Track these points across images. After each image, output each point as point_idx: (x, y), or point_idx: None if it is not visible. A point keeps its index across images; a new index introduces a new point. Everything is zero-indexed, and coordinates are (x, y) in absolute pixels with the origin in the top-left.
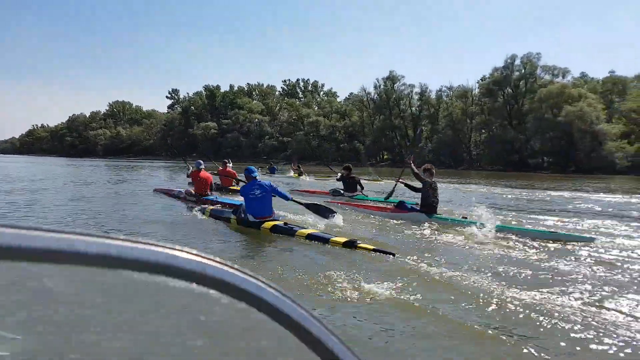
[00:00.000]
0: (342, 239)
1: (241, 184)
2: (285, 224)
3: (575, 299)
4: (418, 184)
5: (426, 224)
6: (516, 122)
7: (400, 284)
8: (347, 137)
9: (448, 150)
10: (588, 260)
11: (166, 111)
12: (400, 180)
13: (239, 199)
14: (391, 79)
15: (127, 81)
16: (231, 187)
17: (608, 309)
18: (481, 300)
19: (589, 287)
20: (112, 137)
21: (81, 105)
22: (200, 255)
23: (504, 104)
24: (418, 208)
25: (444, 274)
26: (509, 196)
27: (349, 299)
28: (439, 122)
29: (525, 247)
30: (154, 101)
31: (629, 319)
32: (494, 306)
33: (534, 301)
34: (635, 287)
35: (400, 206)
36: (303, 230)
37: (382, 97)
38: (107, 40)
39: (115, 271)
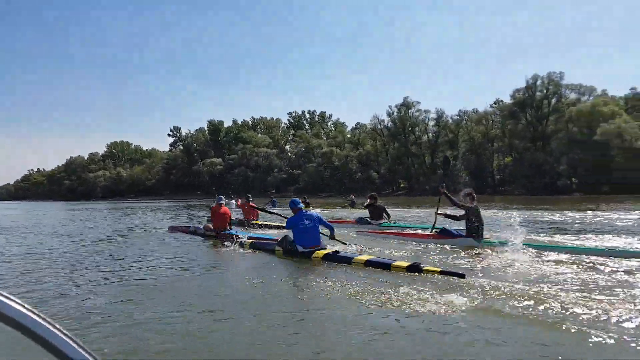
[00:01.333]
0: (405, 263)
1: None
2: (336, 252)
3: None
4: (460, 211)
5: (477, 250)
6: (540, 143)
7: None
8: (360, 167)
9: (471, 176)
10: None
11: (167, 149)
12: (439, 213)
13: (261, 233)
14: (406, 105)
15: (126, 121)
16: (254, 222)
17: None
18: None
19: None
20: (112, 178)
21: (78, 148)
22: None
23: (527, 126)
24: (463, 234)
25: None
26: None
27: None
28: (458, 148)
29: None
30: (153, 140)
31: None
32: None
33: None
34: None
35: (444, 232)
36: (361, 257)
37: (396, 124)
38: (102, 83)
39: None
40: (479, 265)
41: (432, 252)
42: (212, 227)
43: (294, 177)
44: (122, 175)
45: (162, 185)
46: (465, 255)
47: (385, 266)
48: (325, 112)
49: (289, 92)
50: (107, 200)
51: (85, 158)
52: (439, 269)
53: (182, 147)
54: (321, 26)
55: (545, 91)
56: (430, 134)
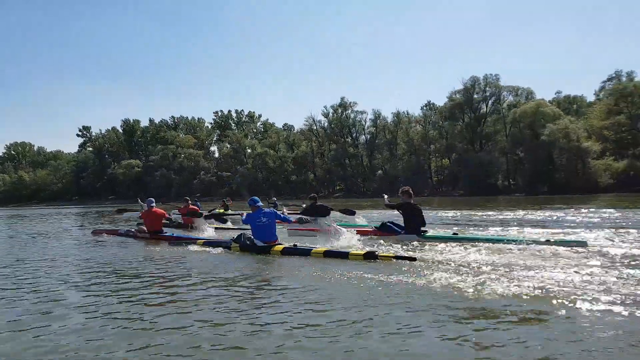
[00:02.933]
0: (362, 252)
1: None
2: (295, 245)
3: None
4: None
5: (418, 243)
6: (478, 144)
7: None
8: (296, 169)
9: (409, 177)
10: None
11: (76, 151)
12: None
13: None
14: (343, 105)
15: (25, 121)
16: (193, 225)
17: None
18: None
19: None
20: (12, 183)
21: None
22: None
23: (466, 127)
24: (403, 230)
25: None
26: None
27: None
28: (396, 149)
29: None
30: (58, 142)
31: None
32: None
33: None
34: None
35: (385, 228)
36: (319, 249)
37: (332, 125)
38: None
39: None
40: (420, 255)
41: (377, 245)
42: (146, 230)
43: (224, 180)
44: (25, 179)
45: (70, 189)
46: (408, 248)
47: (343, 256)
48: (254, 112)
49: (212, 91)
50: (8, 207)
51: None
52: (392, 255)
53: (92, 149)
54: (242, 24)
55: (482, 93)
56: (368, 135)
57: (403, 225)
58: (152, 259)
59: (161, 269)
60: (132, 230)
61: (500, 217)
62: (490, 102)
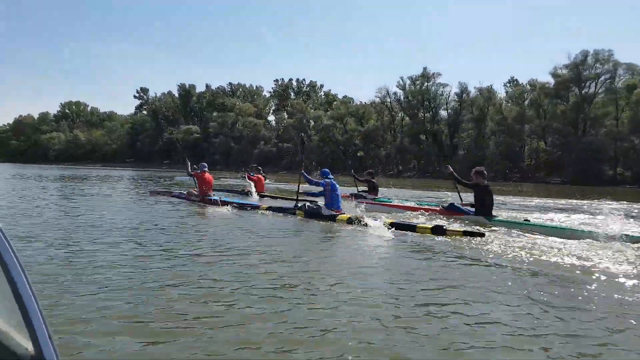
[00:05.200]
0: (430, 225)
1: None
2: (358, 217)
3: None
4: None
5: (487, 226)
6: (582, 127)
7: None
8: (364, 145)
9: (498, 160)
10: None
11: (132, 112)
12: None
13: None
14: (425, 76)
15: (79, 81)
16: (264, 193)
17: None
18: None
19: None
20: (68, 141)
21: (25, 107)
22: None
23: (574, 107)
24: (472, 211)
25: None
26: None
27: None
28: (485, 128)
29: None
30: (110, 104)
31: None
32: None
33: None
34: None
35: (452, 208)
36: (387, 219)
37: (411, 98)
38: (50, 42)
39: None
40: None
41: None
42: (196, 193)
43: (284, 151)
44: (80, 138)
45: (125, 152)
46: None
47: (411, 228)
48: (315, 81)
49: (270, 59)
50: (63, 165)
51: (36, 118)
52: (461, 229)
53: (148, 112)
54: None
55: (591, 70)
56: (451, 111)
57: (471, 207)
58: (219, 224)
59: (234, 233)
60: (184, 193)
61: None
62: (600, 80)
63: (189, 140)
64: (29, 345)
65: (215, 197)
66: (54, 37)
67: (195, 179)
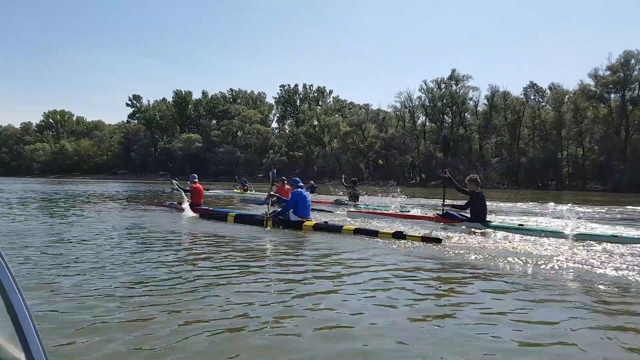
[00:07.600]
0: (391, 231)
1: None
2: (326, 222)
3: None
4: (463, 201)
5: (483, 230)
6: (624, 133)
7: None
8: (384, 152)
9: (534, 167)
10: None
11: (122, 121)
12: (447, 204)
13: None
14: (454, 78)
15: (63, 89)
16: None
17: None
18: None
19: None
20: (54, 152)
21: (5, 116)
22: None
23: (619, 111)
24: (467, 217)
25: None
26: None
27: None
28: (519, 133)
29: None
30: (96, 113)
31: None
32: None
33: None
34: None
35: (448, 216)
36: (349, 226)
37: (438, 102)
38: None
39: None
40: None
41: (440, 231)
42: (183, 202)
43: (295, 160)
44: (67, 149)
45: (118, 162)
46: (475, 235)
47: (373, 234)
48: (324, 87)
49: (273, 62)
50: (50, 177)
51: (18, 128)
52: (419, 235)
53: (141, 120)
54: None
55: (632, 72)
56: (481, 116)
57: (466, 214)
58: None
59: (201, 242)
60: (175, 203)
61: None
62: None
63: (190, 150)
64: (21, 357)
65: (205, 207)
66: (36, 44)
67: (192, 192)
